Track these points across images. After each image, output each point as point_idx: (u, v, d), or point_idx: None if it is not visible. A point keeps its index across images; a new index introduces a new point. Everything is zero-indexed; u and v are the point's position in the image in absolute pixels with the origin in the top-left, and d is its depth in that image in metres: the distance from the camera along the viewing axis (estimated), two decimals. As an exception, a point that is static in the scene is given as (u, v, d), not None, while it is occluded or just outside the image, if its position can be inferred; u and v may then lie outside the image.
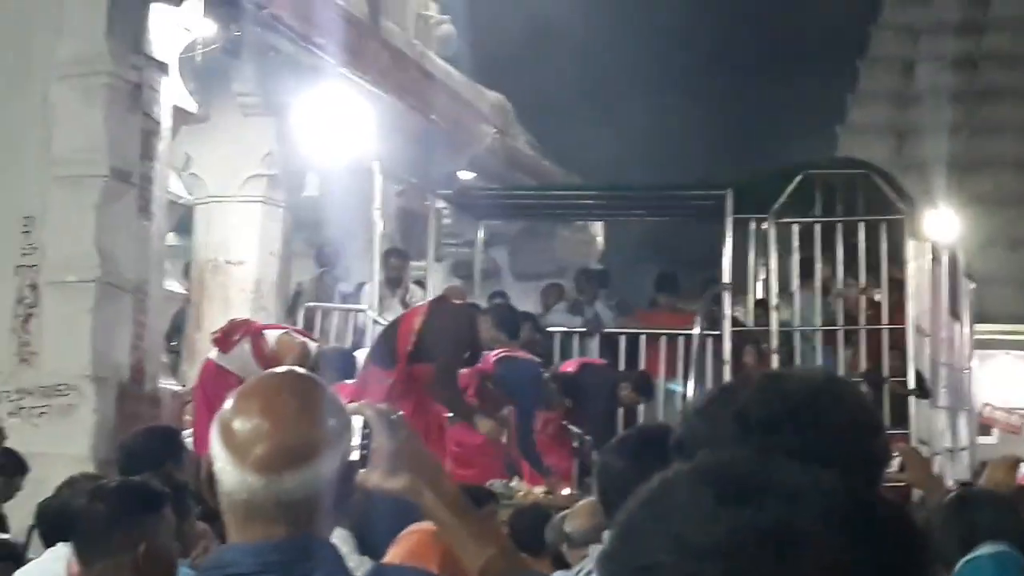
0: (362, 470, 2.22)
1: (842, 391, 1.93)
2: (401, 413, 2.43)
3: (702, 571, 1.07)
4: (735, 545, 1.08)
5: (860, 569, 1.09)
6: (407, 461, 2.29)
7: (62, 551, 4.70)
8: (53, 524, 5.30)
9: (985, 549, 4.20)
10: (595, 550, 3.36)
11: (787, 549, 1.08)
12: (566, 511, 6.11)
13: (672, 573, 1.09)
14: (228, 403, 2.13)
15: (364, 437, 2.28)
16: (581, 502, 5.77)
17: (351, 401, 2.43)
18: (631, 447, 3.30)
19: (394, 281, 12.57)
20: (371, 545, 4.92)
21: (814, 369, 2.17)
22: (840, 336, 12.43)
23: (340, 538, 5.33)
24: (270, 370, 2.33)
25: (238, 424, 2.08)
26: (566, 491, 9.70)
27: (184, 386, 10.92)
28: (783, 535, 1.08)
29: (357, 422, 2.26)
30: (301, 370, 2.29)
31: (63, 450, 9.08)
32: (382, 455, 2.27)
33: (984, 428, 21.09)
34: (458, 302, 10.34)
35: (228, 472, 2.07)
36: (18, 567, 5.88)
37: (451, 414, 9.66)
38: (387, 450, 2.26)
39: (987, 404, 22.56)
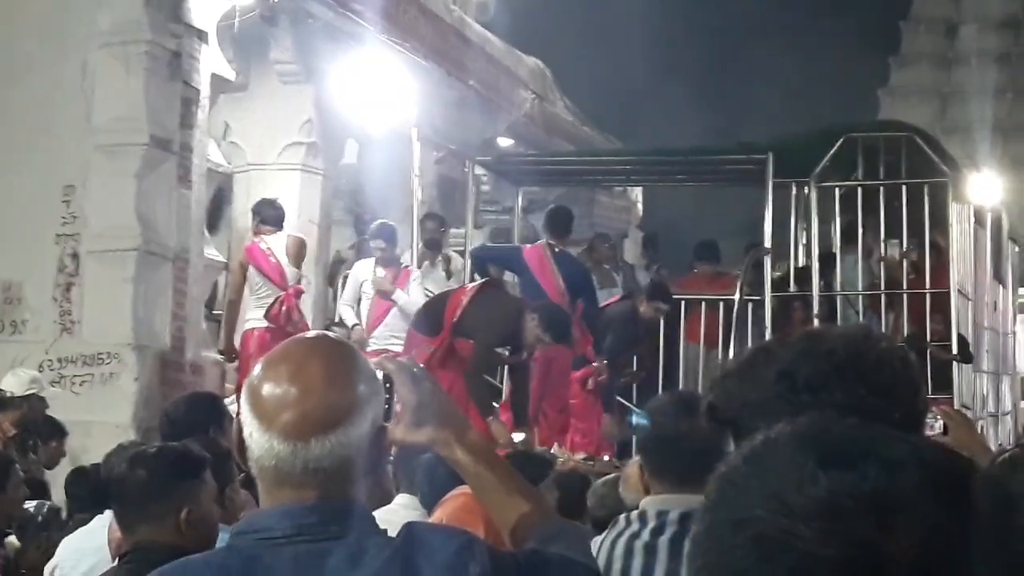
0: (386, 424, 2.21)
1: (884, 348, 1.90)
2: (422, 366, 2.41)
3: (797, 530, 1.08)
4: (833, 508, 1.09)
5: (952, 537, 1.10)
6: (432, 413, 2.27)
7: (107, 519, 4.73)
8: (96, 492, 5.33)
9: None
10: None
11: (885, 515, 1.08)
12: (607, 477, 6.09)
13: (768, 529, 1.10)
14: (257, 368, 2.12)
15: (387, 391, 2.26)
16: (630, 468, 5.74)
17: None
18: (671, 409, 3.28)
19: (431, 244, 12.55)
20: (431, 503, 4.93)
21: (853, 326, 2.15)
22: (882, 300, 12.35)
23: (404, 503, 5.37)
24: (299, 335, 2.31)
25: (266, 390, 2.07)
26: (606, 457, 9.70)
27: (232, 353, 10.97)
28: (882, 501, 1.09)
29: (379, 376, 2.25)
30: (331, 335, 2.28)
31: (105, 418, 9.15)
32: (406, 408, 2.25)
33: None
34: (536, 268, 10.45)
35: (256, 438, 2.06)
36: (63, 535, 5.93)
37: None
38: (411, 403, 2.25)
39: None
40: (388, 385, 2.30)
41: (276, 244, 10.89)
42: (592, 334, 10.72)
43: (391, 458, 5.38)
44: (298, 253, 11.02)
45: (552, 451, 9.18)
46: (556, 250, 11.06)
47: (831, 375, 1.78)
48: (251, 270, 10.82)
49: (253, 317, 10.75)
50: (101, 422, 9.06)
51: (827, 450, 1.13)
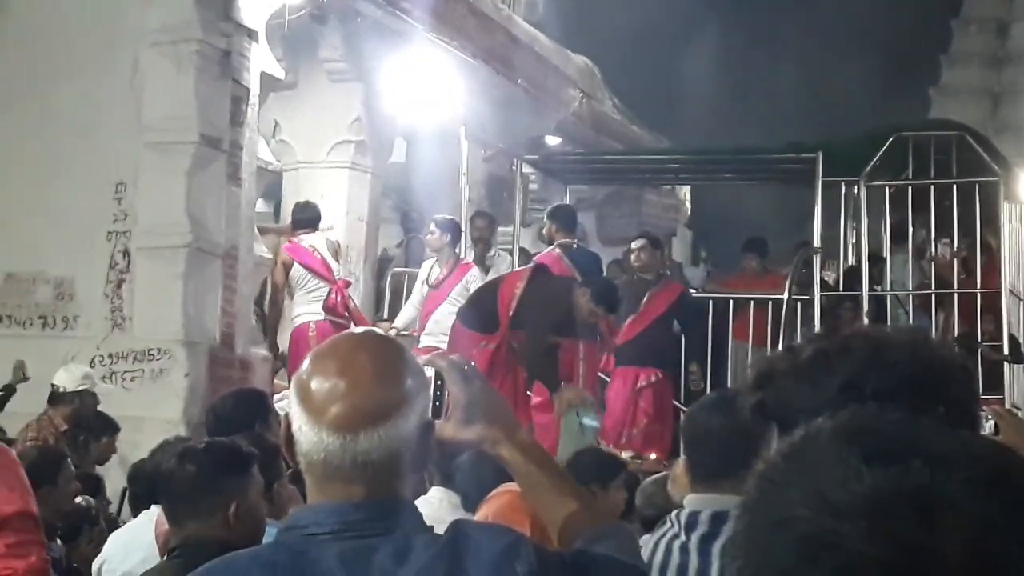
0: (436, 422, 2.21)
1: (947, 356, 1.88)
2: (473, 363, 2.41)
3: (841, 529, 1.05)
4: (878, 505, 1.06)
5: (1004, 537, 1.06)
6: (482, 411, 2.27)
7: (155, 513, 4.76)
8: (146, 487, 5.37)
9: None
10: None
11: (931, 512, 1.05)
12: (656, 475, 6.08)
13: (810, 528, 1.07)
14: (305, 363, 2.13)
15: (437, 389, 2.27)
16: (677, 467, 5.73)
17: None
18: (725, 407, 3.27)
19: (479, 242, 12.56)
20: (476, 503, 4.94)
21: (913, 332, 2.13)
22: (933, 300, 12.27)
23: (438, 497, 5.39)
24: (348, 330, 2.33)
25: (315, 384, 2.08)
26: (653, 456, 9.68)
27: (276, 351, 11.04)
28: (928, 498, 1.06)
29: (429, 373, 2.26)
30: (379, 330, 2.29)
31: (155, 414, 9.21)
32: (456, 406, 2.26)
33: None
34: (558, 273, 10.34)
35: (305, 432, 2.07)
36: (112, 530, 5.98)
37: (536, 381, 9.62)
38: (461, 400, 2.25)
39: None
40: (439, 383, 2.30)
41: (318, 242, 11.07)
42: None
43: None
44: (335, 250, 11.31)
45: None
46: (574, 247, 11.07)
47: (899, 387, 1.76)
48: (296, 268, 10.93)
49: (307, 312, 10.87)
50: (151, 418, 9.12)
51: (871, 445, 1.10)
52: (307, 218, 11.34)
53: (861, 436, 1.12)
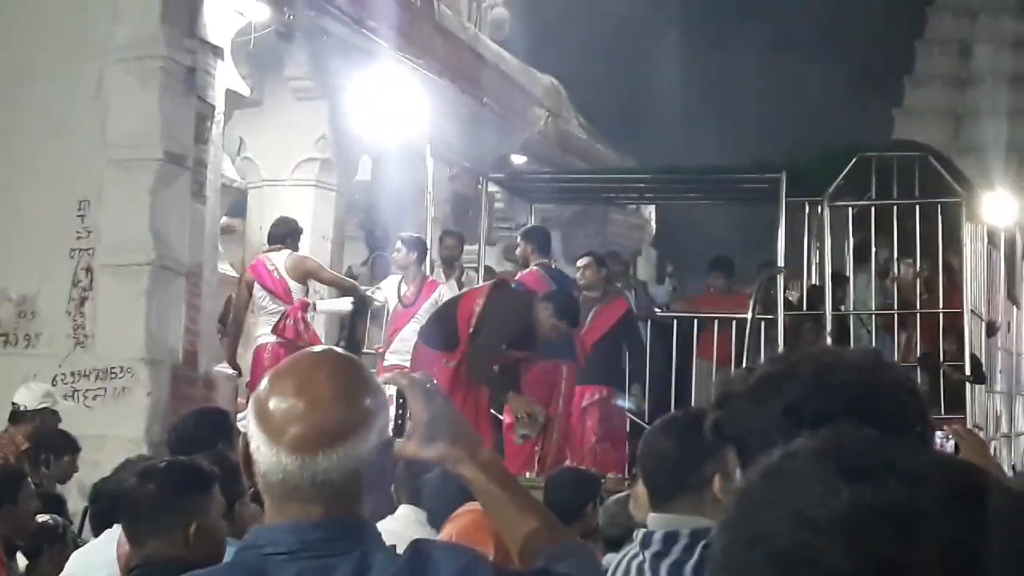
0: (398, 440, 2.21)
1: (895, 381, 1.89)
2: (436, 381, 2.41)
3: (819, 545, 1.06)
4: (855, 521, 1.07)
5: (978, 552, 1.08)
6: (444, 429, 2.27)
7: (117, 532, 4.74)
8: (107, 505, 5.34)
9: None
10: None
11: (908, 528, 1.07)
12: (618, 495, 6.09)
13: (788, 545, 1.08)
14: (263, 383, 2.12)
15: (399, 407, 2.27)
16: (639, 486, 5.74)
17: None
18: (676, 428, 3.29)
19: (448, 261, 12.55)
20: (442, 521, 4.93)
21: (863, 354, 2.13)
22: (895, 320, 12.33)
23: (405, 514, 5.39)
24: (305, 349, 2.32)
25: (273, 404, 2.06)
26: (611, 475, 9.67)
27: (237, 369, 10.99)
28: (905, 514, 1.07)
29: (392, 391, 2.25)
30: (338, 349, 2.28)
31: (117, 432, 9.17)
32: (418, 424, 2.25)
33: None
34: (515, 287, 10.32)
35: (263, 452, 2.06)
36: (73, 549, 5.93)
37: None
38: (423, 418, 2.25)
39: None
40: (401, 400, 2.31)
41: (279, 261, 10.92)
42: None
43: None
44: (296, 269, 11.00)
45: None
46: (552, 268, 11.10)
47: (839, 411, 1.77)
48: (256, 287, 10.86)
49: (263, 333, 10.78)
50: (113, 436, 9.08)
51: (849, 463, 1.11)
52: (278, 233, 11.18)
53: (839, 454, 1.13)
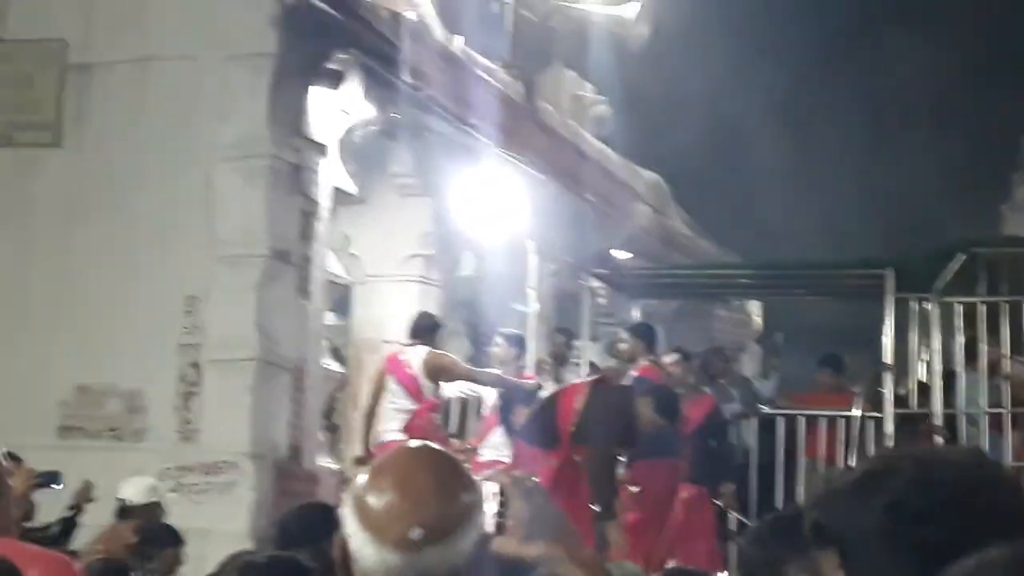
0: (499, 538, 2.19)
1: (997, 479, 1.84)
2: (537, 480, 2.40)
3: None
4: None
5: None
6: (545, 528, 2.25)
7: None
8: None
9: None
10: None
11: None
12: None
13: None
14: (361, 480, 2.11)
15: (501, 505, 2.26)
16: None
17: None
18: (765, 534, 3.24)
19: (558, 357, 12.55)
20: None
21: (964, 452, 2.07)
22: (1007, 419, 12.06)
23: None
24: (402, 445, 2.31)
25: (374, 500, 2.06)
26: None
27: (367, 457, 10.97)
28: None
29: (494, 488, 2.24)
30: (434, 445, 2.27)
31: (222, 527, 9.19)
32: (519, 522, 2.24)
33: None
34: (616, 384, 10.30)
35: (367, 551, 2.05)
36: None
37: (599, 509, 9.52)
38: (523, 517, 2.24)
39: None
40: (503, 498, 2.29)
41: (416, 357, 10.85)
42: None
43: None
44: (433, 368, 10.91)
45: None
46: (660, 363, 11.12)
47: (942, 508, 1.73)
48: (389, 380, 10.79)
49: (389, 428, 10.69)
50: (219, 531, 9.10)
51: None
52: (418, 328, 11.04)
53: None
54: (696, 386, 11.98)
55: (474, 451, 11.22)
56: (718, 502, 11.32)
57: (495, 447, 10.91)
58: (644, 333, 11.35)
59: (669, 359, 11.58)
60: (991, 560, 1.13)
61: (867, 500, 1.80)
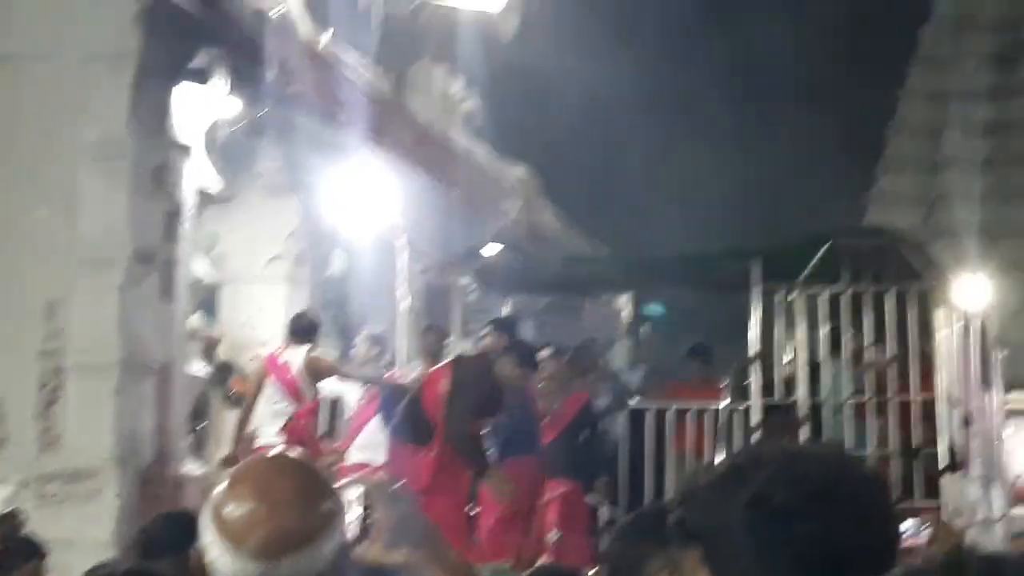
0: (362, 544, 2.19)
1: (860, 474, 1.87)
2: (402, 483, 2.40)
3: None
4: None
5: None
6: (409, 534, 2.26)
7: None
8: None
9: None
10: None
11: None
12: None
13: None
14: (218, 490, 2.09)
15: (365, 510, 2.25)
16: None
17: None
18: (628, 531, 3.27)
19: (431, 354, 12.53)
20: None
21: (830, 448, 2.10)
22: (869, 408, 12.29)
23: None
24: (259, 454, 2.30)
25: (232, 510, 2.04)
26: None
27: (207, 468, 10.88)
28: None
29: (358, 494, 2.24)
30: (292, 454, 2.26)
31: (87, 536, 9.05)
32: (383, 528, 2.24)
33: (1020, 498, 20.76)
34: (475, 356, 10.41)
35: (224, 561, 2.03)
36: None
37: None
38: (388, 523, 2.24)
39: (1021, 474, 22.24)
40: (367, 504, 2.29)
41: (296, 358, 10.73)
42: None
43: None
44: (315, 370, 10.79)
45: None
46: None
47: (805, 503, 1.75)
48: (268, 381, 10.66)
49: (267, 431, 10.56)
50: (83, 540, 8.96)
51: None
52: (297, 329, 10.94)
53: None
54: (569, 381, 12.04)
55: (343, 453, 11.17)
56: (592, 497, 11.37)
57: (363, 448, 10.88)
58: (506, 327, 11.36)
59: (543, 354, 11.61)
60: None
61: (730, 496, 1.81)
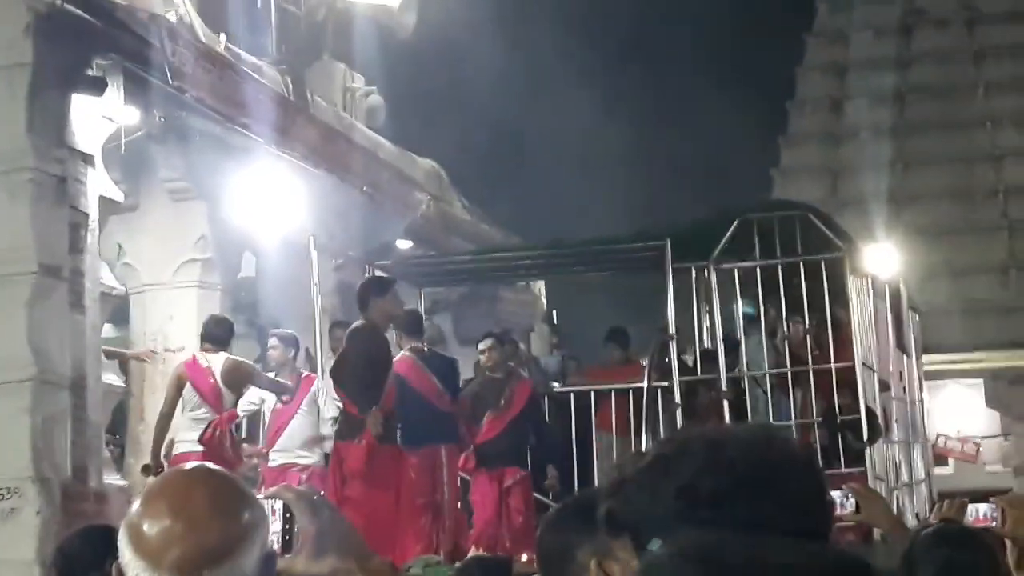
0: (286, 556, 2.13)
1: (789, 455, 1.84)
2: (323, 493, 2.35)
3: None
4: None
5: None
6: (333, 542, 2.20)
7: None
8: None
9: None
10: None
11: None
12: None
13: None
14: (134, 508, 2.02)
15: (286, 521, 2.20)
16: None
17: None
18: (558, 518, 3.23)
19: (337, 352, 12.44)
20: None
21: (754, 429, 2.08)
22: (789, 378, 12.39)
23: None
24: (176, 467, 2.23)
25: (148, 526, 1.98)
26: (524, 557, 9.60)
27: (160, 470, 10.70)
28: None
29: (278, 505, 2.18)
30: (210, 465, 2.19)
31: (8, 555, 8.92)
32: (306, 538, 2.18)
33: (940, 459, 21.10)
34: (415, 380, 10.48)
35: None
36: None
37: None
38: (311, 533, 2.18)
39: (941, 435, 22.61)
40: (288, 515, 2.22)
41: (216, 364, 10.57)
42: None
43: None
44: (232, 375, 10.63)
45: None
46: (425, 352, 11.06)
47: (733, 489, 1.72)
48: (188, 387, 10.48)
49: (186, 439, 10.38)
50: (4, 560, 8.82)
51: (714, 568, 1.07)
52: (216, 334, 10.76)
53: (703, 559, 1.09)
54: (515, 369, 12.05)
55: (265, 455, 11.10)
56: (547, 484, 11.38)
57: (284, 451, 10.83)
58: (400, 320, 11.30)
59: (484, 344, 11.60)
60: (661, 558, 1.11)
61: (658, 485, 1.77)
